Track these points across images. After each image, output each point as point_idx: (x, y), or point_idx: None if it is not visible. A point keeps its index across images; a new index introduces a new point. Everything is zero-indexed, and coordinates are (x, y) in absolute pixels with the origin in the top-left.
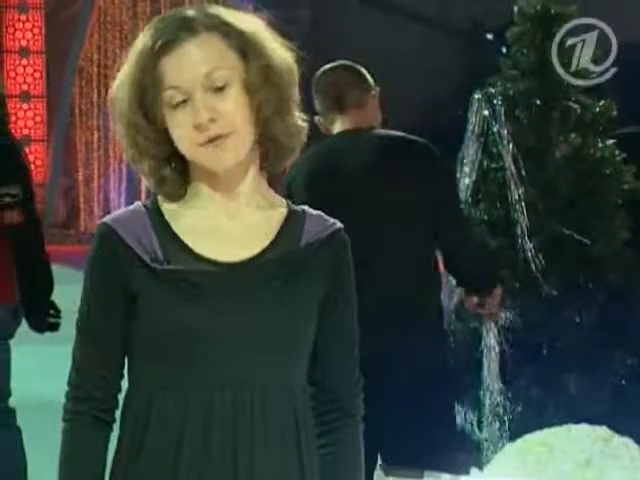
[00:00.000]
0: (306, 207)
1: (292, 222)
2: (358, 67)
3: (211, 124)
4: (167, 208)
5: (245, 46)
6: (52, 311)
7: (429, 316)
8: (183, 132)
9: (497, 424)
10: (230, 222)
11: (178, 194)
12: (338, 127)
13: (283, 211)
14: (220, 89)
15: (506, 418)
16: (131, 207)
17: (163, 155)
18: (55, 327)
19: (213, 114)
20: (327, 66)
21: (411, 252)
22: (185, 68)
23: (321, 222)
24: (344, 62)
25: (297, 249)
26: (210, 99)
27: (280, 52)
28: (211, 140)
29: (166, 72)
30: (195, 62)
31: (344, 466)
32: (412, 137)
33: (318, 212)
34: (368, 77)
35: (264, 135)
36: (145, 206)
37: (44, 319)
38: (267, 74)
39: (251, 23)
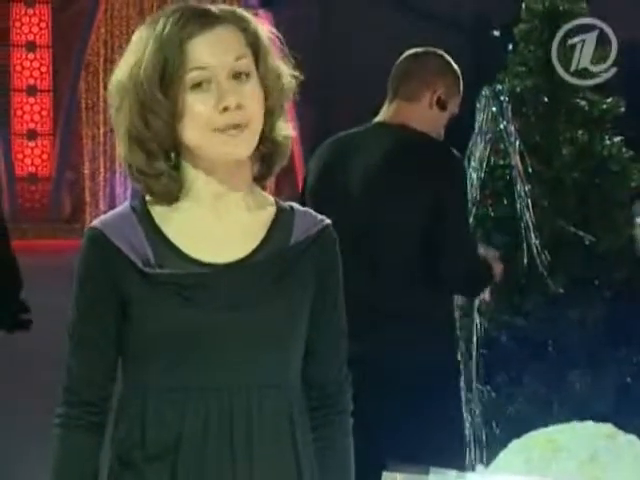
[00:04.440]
0: (294, 203)
1: (281, 221)
2: (433, 57)
3: (237, 110)
4: (156, 210)
5: (257, 47)
6: (22, 310)
7: (423, 319)
8: (204, 112)
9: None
10: (220, 223)
11: (173, 192)
12: (377, 117)
13: (272, 210)
14: (242, 77)
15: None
16: (119, 209)
17: (167, 144)
18: (26, 325)
19: (241, 100)
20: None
21: (400, 253)
22: (214, 51)
23: (309, 219)
24: (427, 49)
25: (287, 248)
26: (234, 85)
27: (282, 62)
28: (231, 127)
29: (193, 54)
30: (224, 47)
31: (333, 462)
32: (430, 137)
33: (306, 208)
34: (440, 70)
35: (268, 137)
36: (133, 208)
37: (13, 318)
38: (276, 78)
39: (262, 25)
